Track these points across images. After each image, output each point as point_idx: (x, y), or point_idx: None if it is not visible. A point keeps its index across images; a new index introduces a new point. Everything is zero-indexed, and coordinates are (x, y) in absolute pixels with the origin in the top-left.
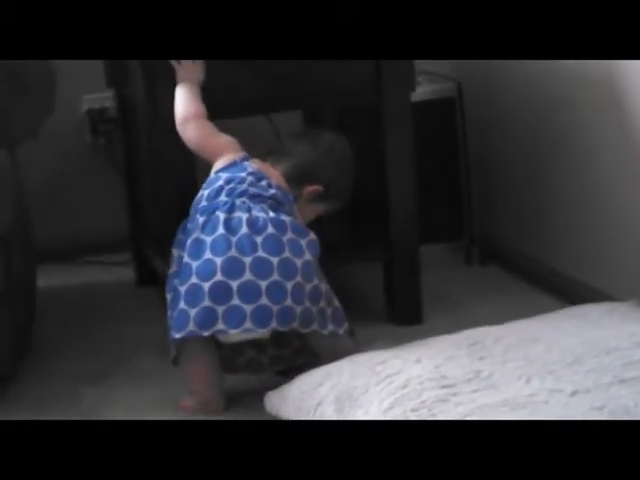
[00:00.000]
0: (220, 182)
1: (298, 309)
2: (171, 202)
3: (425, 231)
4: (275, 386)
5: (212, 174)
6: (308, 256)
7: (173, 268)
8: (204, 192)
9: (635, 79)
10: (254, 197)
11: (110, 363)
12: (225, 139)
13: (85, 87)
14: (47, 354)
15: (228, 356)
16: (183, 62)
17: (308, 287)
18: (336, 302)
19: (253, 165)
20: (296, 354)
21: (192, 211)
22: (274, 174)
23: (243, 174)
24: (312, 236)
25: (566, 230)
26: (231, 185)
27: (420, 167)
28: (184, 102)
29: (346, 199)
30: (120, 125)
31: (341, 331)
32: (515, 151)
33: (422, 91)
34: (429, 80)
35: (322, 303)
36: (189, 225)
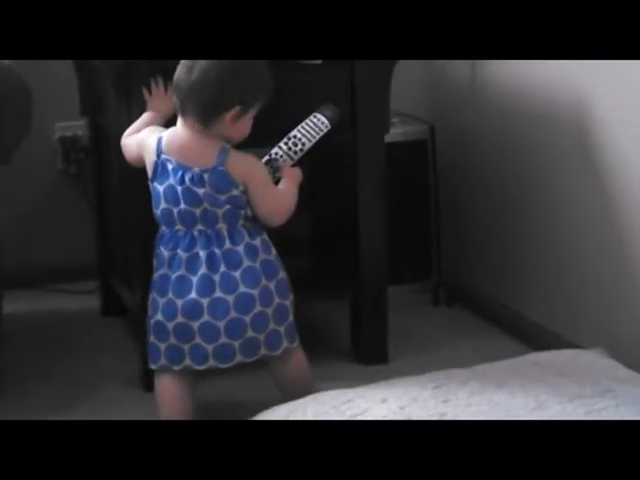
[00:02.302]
0: (163, 203)
1: (262, 337)
2: (140, 232)
3: (393, 271)
4: (241, 418)
5: (150, 183)
6: (264, 281)
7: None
8: (157, 211)
9: (606, 126)
10: (205, 217)
11: (75, 392)
12: (139, 138)
13: (58, 115)
14: (11, 382)
15: None
16: (154, 93)
17: (270, 310)
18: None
19: (170, 154)
20: None
21: (158, 236)
22: (187, 140)
23: (172, 181)
24: (264, 255)
25: (534, 275)
26: (175, 208)
27: (390, 207)
28: (131, 127)
29: (269, 91)
30: (92, 154)
31: (296, 343)
32: (485, 195)
33: (396, 132)
34: (403, 122)
35: (290, 317)
36: (158, 253)
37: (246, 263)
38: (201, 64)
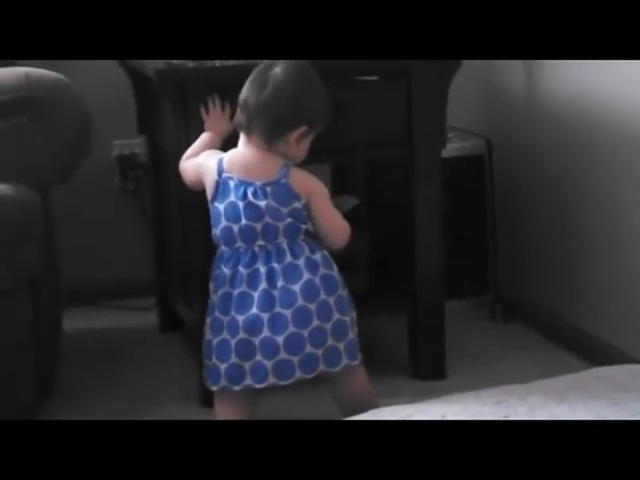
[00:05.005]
0: (223, 221)
1: (320, 352)
2: (198, 249)
3: (450, 286)
4: None
5: (210, 204)
6: (323, 295)
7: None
8: (216, 231)
9: None
10: (266, 232)
11: (132, 408)
12: (198, 161)
13: (116, 133)
14: (69, 398)
15: None
16: (211, 113)
17: (329, 326)
18: (355, 329)
19: (232, 172)
20: None
21: (217, 257)
22: (249, 157)
23: (233, 198)
24: (325, 270)
25: (592, 289)
26: (235, 225)
27: (447, 222)
28: (189, 149)
29: (329, 114)
30: (150, 171)
31: (357, 361)
32: (542, 208)
33: (452, 147)
34: (459, 137)
35: (350, 334)
36: (218, 274)
37: (306, 276)
38: (273, 82)
